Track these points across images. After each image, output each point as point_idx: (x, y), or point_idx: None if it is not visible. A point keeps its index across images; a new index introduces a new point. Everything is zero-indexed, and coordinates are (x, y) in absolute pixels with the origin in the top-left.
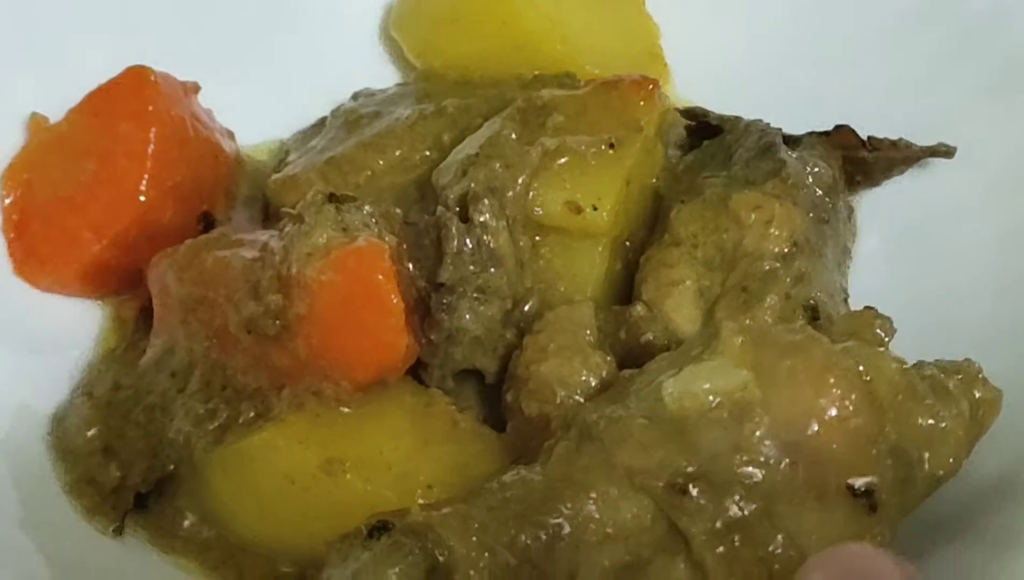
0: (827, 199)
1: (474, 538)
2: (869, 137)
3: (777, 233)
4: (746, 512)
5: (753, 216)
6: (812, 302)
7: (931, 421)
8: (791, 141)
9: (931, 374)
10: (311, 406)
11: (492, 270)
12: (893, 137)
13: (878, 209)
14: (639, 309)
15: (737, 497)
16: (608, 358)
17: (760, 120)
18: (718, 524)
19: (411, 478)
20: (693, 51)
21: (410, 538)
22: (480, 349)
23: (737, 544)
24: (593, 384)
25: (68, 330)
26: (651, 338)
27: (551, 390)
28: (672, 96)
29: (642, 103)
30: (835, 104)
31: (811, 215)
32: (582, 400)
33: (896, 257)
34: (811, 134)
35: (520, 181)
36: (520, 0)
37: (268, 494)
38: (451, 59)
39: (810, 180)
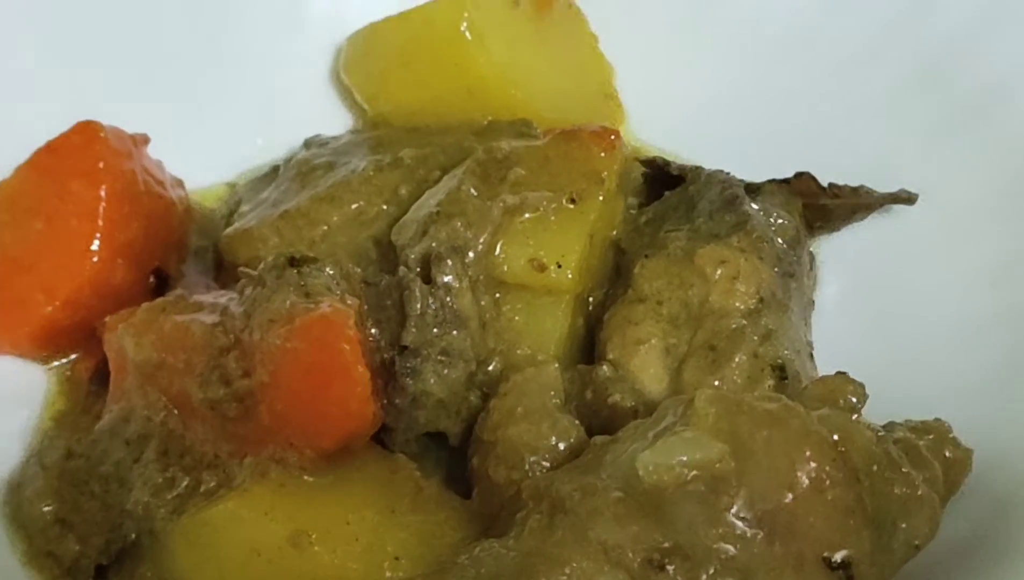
0: (792, 252)
1: None
2: (830, 184)
3: (743, 289)
4: None
5: (719, 271)
6: (780, 361)
7: (907, 490)
8: (751, 189)
9: (903, 437)
10: (274, 475)
11: (455, 332)
12: (854, 184)
13: (836, 254)
14: (605, 369)
15: (713, 571)
16: (575, 422)
17: (721, 171)
18: None
19: (378, 549)
20: (648, 89)
21: None
22: (444, 412)
23: None
24: (561, 449)
25: (16, 391)
26: (618, 399)
27: (519, 455)
28: (628, 136)
29: (603, 154)
30: (793, 144)
31: (776, 269)
32: (549, 466)
33: (856, 303)
34: (771, 182)
35: (482, 239)
36: (471, 45)
37: (232, 566)
38: (402, 104)
39: (774, 233)
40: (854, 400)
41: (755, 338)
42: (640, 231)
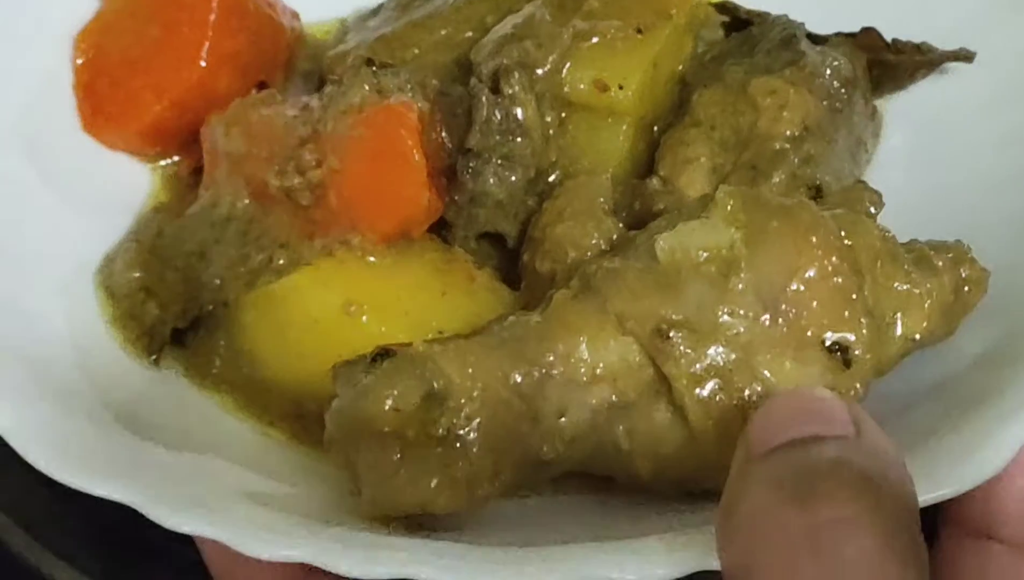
0: (843, 90)
1: (470, 370)
2: (894, 40)
3: (789, 116)
4: (726, 361)
5: (768, 100)
6: (816, 182)
7: (907, 286)
8: (818, 40)
9: (918, 249)
10: (338, 254)
11: (517, 140)
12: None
13: (900, 110)
14: (654, 182)
15: (718, 346)
16: (619, 224)
17: (786, 15)
18: (698, 369)
19: (425, 324)
20: None
21: (410, 365)
22: (502, 213)
23: (716, 390)
24: (603, 247)
25: (125, 185)
26: (662, 208)
27: (563, 250)
28: None
29: None
30: (863, 12)
31: (825, 103)
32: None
33: (916, 154)
34: (838, 34)
35: (550, 59)
36: None
37: (293, 333)
38: None
39: (827, 71)
40: (869, 205)
41: (795, 160)
42: (704, 67)
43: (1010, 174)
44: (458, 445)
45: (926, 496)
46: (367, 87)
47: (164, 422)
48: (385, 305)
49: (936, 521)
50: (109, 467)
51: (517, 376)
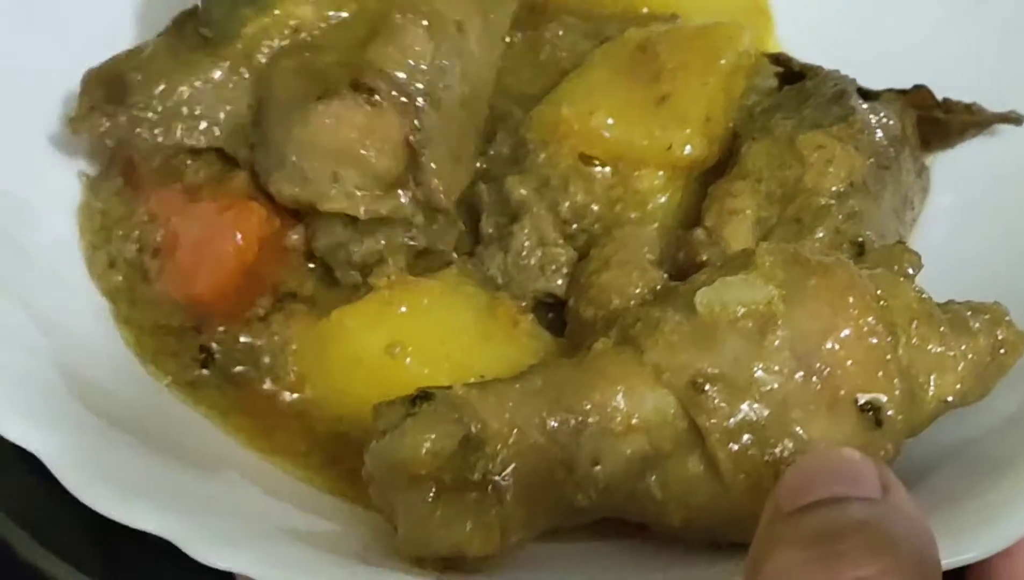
0: (891, 149)
1: (507, 415)
2: (944, 99)
3: (835, 172)
4: (759, 416)
5: (815, 155)
6: (860, 238)
7: (942, 348)
8: (870, 96)
9: (955, 310)
10: (386, 294)
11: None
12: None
13: (950, 170)
14: (699, 233)
15: (753, 401)
16: (663, 275)
17: (838, 71)
18: (732, 424)
19: (466, 368)
20: (800, 6)
21: (448, 409)
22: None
23: (748, 444)
24: (647, 296)
25: None
26: (706, 259)
27: (608, 297)
28: (774, 46)
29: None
30: (925, 65)
31: (872, 160)
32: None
33: (962, 215)
34: (890, 90)
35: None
36: None
37: (338, 372)
38: None
39: (877, 129)
40: (908, 267)
41: (840, 216)
42: (755, 118)
43: None
44: (493, 490)
45: (950, 560)
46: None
47: (203, 451)
48: (428, 348)
49: None
50: (148, 499)
51: (553, 423)
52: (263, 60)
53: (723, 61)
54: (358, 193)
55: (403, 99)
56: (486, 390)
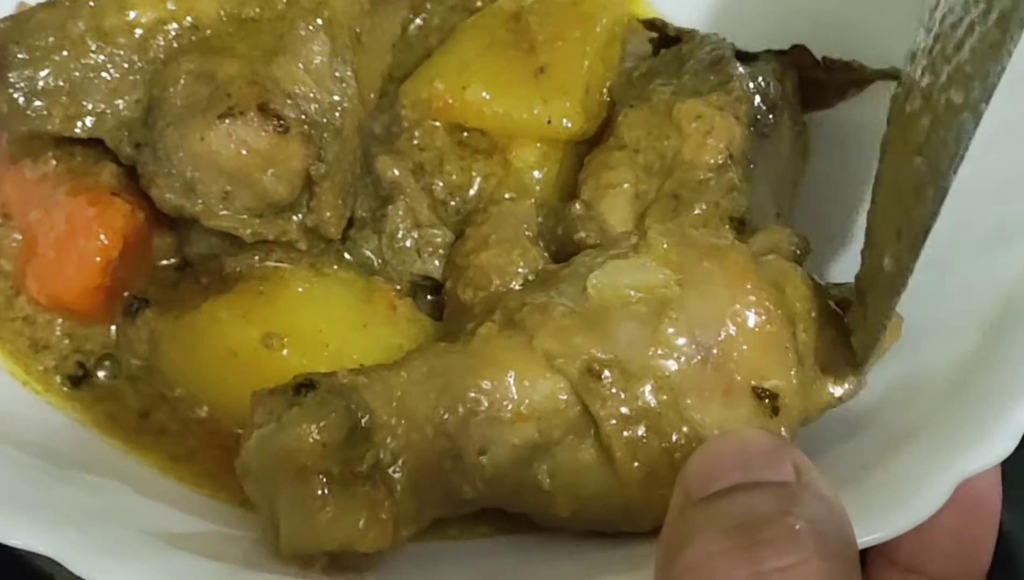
0: (770, 115)
1: (394, 404)
2: (824, 57)
3: (714, 143)
4: (655, 402)
5: (694, 125)
6: (739, 214)
7: (836, 338)
8: (747, 58)
9: (839, 295)
10: (259, 286)
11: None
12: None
13: (829, 128)
14: (577, 208)
15: (648, 387)
16: (544, 254)
17: (715, 34)
18: (627, 410)
19: (345, 357)
20: None
21: (334, 397)
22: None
23: (643, 432)
24: (528, 276)
25: None
26: (583, 236)
27: (488, 278)
28: (641, 10)
29: None
30: (800, 24)
31: (752, 129)
32: (515, 289)
33: (842, 174)
34: (768, 52)
35: None
36: None
37: (212, 366)
38: None
39: (756, 96)
40: (796, 251)
41: (718, 190)
42: (632, 84)
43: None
44: (383, 483)
45: (863, 539)
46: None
47: (80, 459)
48: (305, 337)
49: (865, 552)
50: (26, 514)
51: (442, 412)
52: (159, 55)
53: (598, 29)
54: (246, 215)
55: (308, 129)
56: (371, 378)
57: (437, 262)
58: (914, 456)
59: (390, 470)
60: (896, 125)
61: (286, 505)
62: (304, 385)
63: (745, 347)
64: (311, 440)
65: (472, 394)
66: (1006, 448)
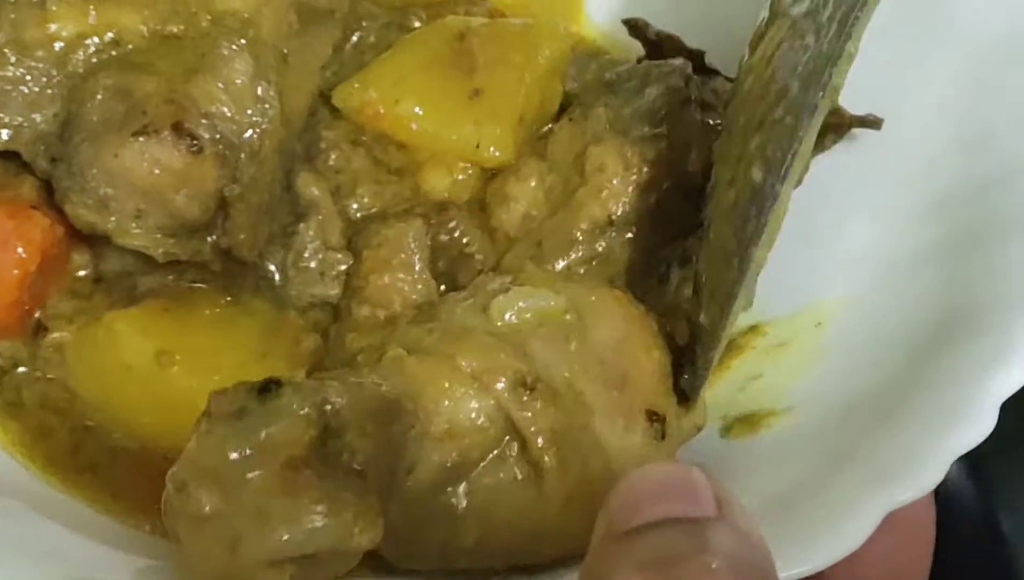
0: (699, 178)
1: (353, 407)
2: None
3: (602, 204)
4: (576, 421)
5: (597, 173)
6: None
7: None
8: (709, 72)
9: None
10: (166, 303)
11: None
12: None
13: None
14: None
15: (570, 404)
16: (433, 281)
17: (689, 63)
18: (555, 426)
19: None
20: None
21: (303, 396)
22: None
23: (568, 451)
24: (420, 300)
25: None
26: (466, 240)
27: (388, 298)
28: (583, 23)
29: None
30: None
31: (655, 198)
32: (408, 314)
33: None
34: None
35: None
36: None
37: (109, 380)
38: None
39: (686, 159)
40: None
41: (579, 256)
42: (597, 86)
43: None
44: (360, 479)
45: (786, 573)
46: None
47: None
48: (199, 359)
49: None
50: None
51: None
52: (79, 69)
53: (541, 59)
54: (159, 234)
55: (223, 150)
56: (325, 383)
57: (336, 289)
58: (842, 485)
59: (361, 466)
60: (716, 190)
61: (265, 502)
62: (272, 382)
63: (637, 373)
64: (299, 432)
65: (407, 409)
66: (936, 477)
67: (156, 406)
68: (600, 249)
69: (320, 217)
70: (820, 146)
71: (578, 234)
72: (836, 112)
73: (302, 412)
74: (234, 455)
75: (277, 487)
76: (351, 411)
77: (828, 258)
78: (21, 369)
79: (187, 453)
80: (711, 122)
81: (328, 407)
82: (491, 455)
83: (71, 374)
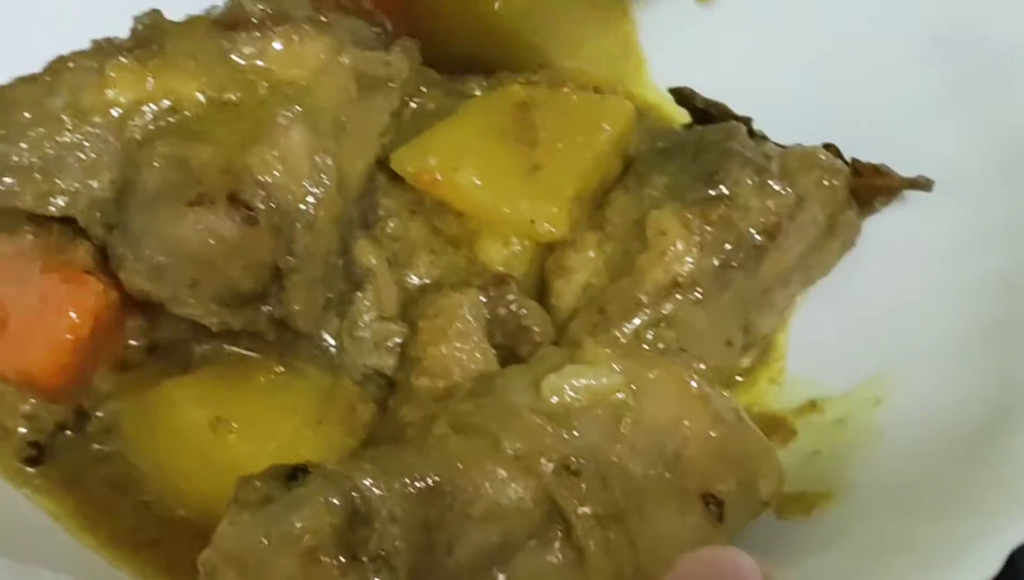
0: (759, 237)
1: (382, 493)
2: (853, 159)
3: (667, 265)
4: (623, 504)
5: (658, 240)
6: (662, 346)
7: (759, 446)
8: (760, 139)
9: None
10: (220, 369)
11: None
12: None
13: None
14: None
15: (617, 488)
16: (493, 352)
17: (741, 126)
18: (601, 510)
19: (292, 451)
20: (674, 43)
21: (333, 481)
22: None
23: (613, 535)
24: (478, 370)
25: None
26: (530, 325)
27: (446, 369)
28: (648, 87)
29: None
30: (808, 110)
31: (717, 261)
32: (466, 384)
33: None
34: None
35: None
36: None
37: (165, 445)
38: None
39: (748, 212)
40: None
41: (645, 319)
42: (653, 156)
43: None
44: (388, 569)
45: None
46: None
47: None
48: (254, 426)
49: None
50: None
51: (424, 506)
52: (136, 136)
53: (603, 138)
54: (213, 304)
55: (279, 221)
56: (355, 468)
57: (392, 359)
58: (895, 575)
59: (391, 555)
60: None
61: None
62: (300, 470)
63: (695, 453)
64: (321, 521)
65: (448, 489)
66: (991, 569)
67: (211, 473)
68: (666, 312)
69: (376, 286)
70: (870, 208)
71: (643, 298)
72: (885, 173)
73: (328, 500)
74: (259, 542)
75: (299, 576)
76: (382, 497)
77: (885, 332)
78: (67, 433)
79: (216, 537)
80: (768, 183)
81: (356, 494)
82: (534, 538)
83: (125, 441)
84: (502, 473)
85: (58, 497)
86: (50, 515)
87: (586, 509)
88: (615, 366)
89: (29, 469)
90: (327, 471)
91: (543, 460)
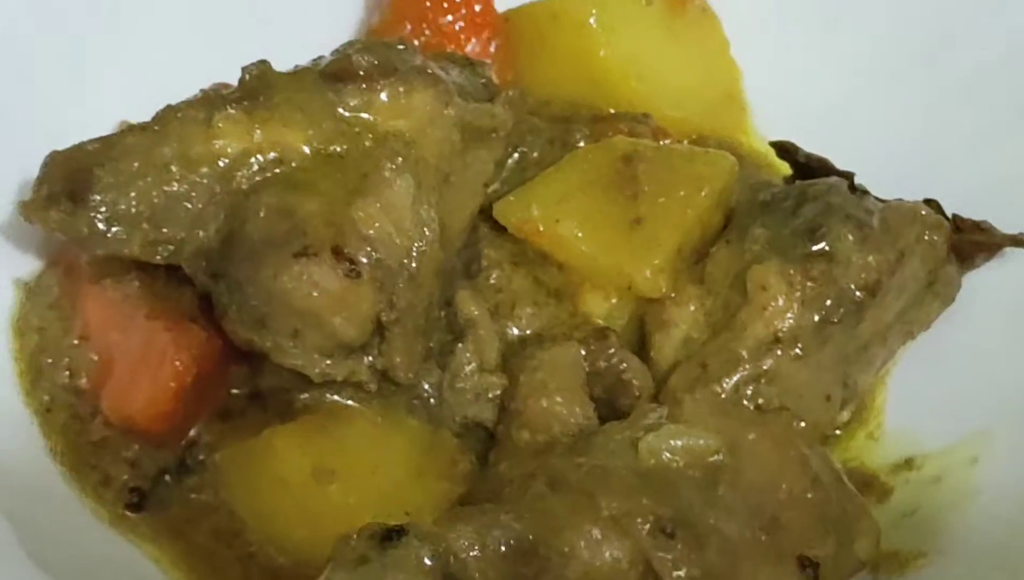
0: (858, 293)
1: (476, 554)
2: (954, 215)
3: (764, 322)
4: (718, 566)
5: (758, 294)
6: (760, 402)
7: (857, 509)
8: (859, 191)
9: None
10: (322, 419)
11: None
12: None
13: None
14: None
15: (712, 550)
16: (593, 406)
17: (843, 181)
18: (696, 573)
19: (394, 502)
20: (775, 94)
21: (425, 545)
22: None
23: None
24: (578, 425)
25: None
26: (630, 378)
27: (547, 423)
28: (751, 134)
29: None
30: (913, 162)
31: (818, 316)
32: (566, 440)
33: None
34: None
35: None
36: (597, 35)
37: (264, 493)
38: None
39: (850, 269)
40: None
41: (745, 374)
42: (754, 209)
43: None
44: None
45: None
46: None
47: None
48: (357, 477)
49: None
50: None
51: (517, 567)
52: (242, 186)
53: (704, 193)
54: (315, 354)
55: (381, 275)
56: (450, 528)
57: (491, 412)
58: None
59: None
60: None
61: None
62: (395, 530)
63: (792, 515)
64: None
65: (543, 551)
66: None
67: (312, 521)
68: (766, 367)
69: (477, 338)
70: (970, 264)
71: (744, 353)
72: (987, 229)
73: (421, 562)
74: None
75: None
76: (477, 558)
77: (983, 389)
78: (168, 479)
79: None
80: (869, 239)
81: (451, 556)
82: None
83: (227, 489)
84: (597, 534)
85: (162, 545)
86: (152, 560)
87: (681, 572)
88: (714, 427)
89: (132, 515)
90: (422, 532)
91: (639, 521)
